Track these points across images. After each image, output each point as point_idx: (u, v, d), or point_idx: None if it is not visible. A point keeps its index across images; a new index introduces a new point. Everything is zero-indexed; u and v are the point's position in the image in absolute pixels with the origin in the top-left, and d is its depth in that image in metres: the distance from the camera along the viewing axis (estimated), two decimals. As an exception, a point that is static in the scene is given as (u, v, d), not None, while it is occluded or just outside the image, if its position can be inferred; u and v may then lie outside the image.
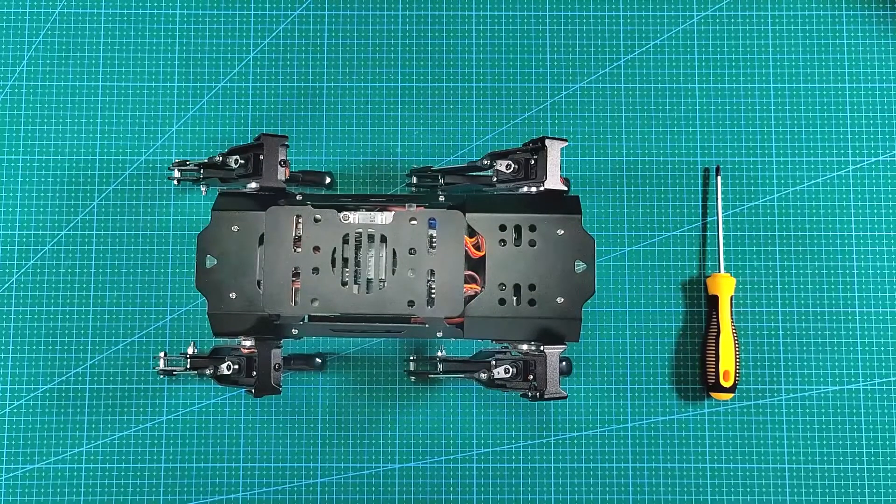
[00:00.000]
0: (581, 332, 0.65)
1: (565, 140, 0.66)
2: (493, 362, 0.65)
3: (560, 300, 0.64)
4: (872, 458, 0.72)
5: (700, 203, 0.75)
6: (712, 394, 0.71)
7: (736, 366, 0.71)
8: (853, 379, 0.73)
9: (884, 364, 0.73)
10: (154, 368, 0.73)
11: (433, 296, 0.64)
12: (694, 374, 0.73)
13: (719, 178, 0.74)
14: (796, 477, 0.72)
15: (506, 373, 0.65)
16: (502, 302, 0.65)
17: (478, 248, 0.65)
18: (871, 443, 0.72)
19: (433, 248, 0.64)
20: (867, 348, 0.73)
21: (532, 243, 0.65)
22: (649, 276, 0.74)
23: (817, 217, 0.74)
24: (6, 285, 0.74)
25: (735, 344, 0.71)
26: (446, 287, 0.63)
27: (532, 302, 0.65)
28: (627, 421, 0.73)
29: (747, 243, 0.74)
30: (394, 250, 0.64)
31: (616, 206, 0.75)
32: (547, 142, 0.65)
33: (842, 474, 0.72)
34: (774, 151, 0.75)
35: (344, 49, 0.76)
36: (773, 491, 0.72)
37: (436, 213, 0.64)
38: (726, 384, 0.71)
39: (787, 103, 0.75)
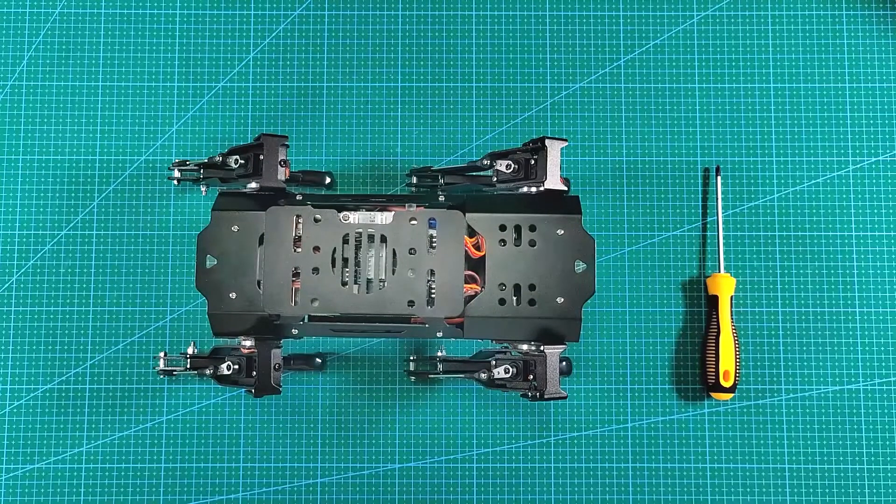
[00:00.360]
0: (581, 332, 0.65)
1: (565, 140, 0.66)
2: (493, 362, 0.65)
3: (560, 300, 0.64)
4: (872, 458, 0.72)
5: (700, 203, 0.75)
6: (712, 394, 0.71)
7: (736, 366, 0.71)
8: (853, 379, 0.73)
9: (884, 364, 0.73)
10: (154, 368, 0.73)
11: (433, 296, 0.64)
12: (694, 374, 0.73)
13: (719, 178, 0.74)
14: (796, 477, 0.72)
15: (506, 373, 0.65)
16: (502, 302, 0.65)
17: (478, 248, 0.65)
18: (871, 443, 0.72)
19: (433, 248, 0.64)
20: (867, 348, 0.73)
21: (532, 243, 0.65)
22: (649, 276, 0.74)
23: (817, 217, 0.74)
24: (6, 285, 0.74)
25: (735, 344, 0.71)
26: (446, 287, 0.63)
27: (532, 302, 0.65)
28: (627, 421, 0.73)
29: (747, 243, 0.74)
30: (394, 250, 0.64)
31: (616, 206, 0.75)
32: (547, 142, 0.65)
33: (842, 474, 0.72)
34: (774, 151, 0.75)
35: (344, 49, 0.76)
36: (773, 491, 0.72)
37: (436, 213, 0.64)
38: (726, 384, 0.71)
39: (787, 103, 0.75)
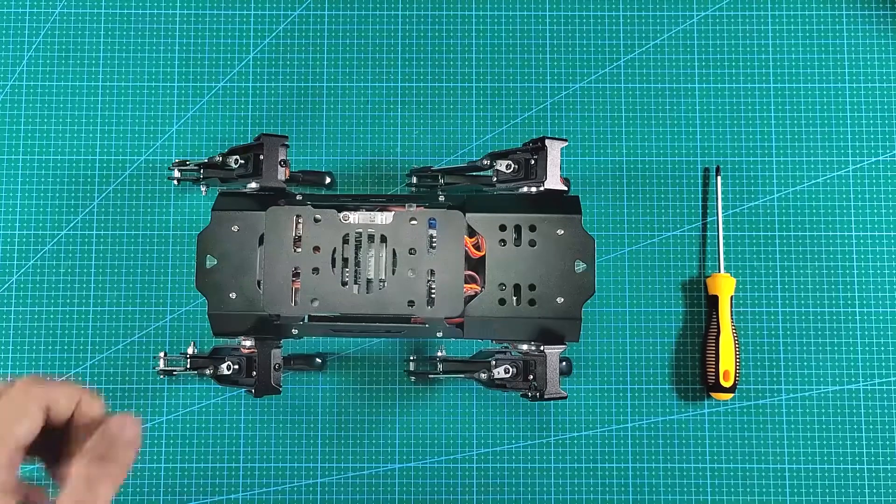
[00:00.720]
0: (581, 332, 0.65)
1: (565, 140, 0.66)
2: (493, 362, 0.65)
3: (560, 300, 0.64)
4: (872, 458, 0.72)
5: (700, 203, 0.75)
6: (712, 394, 0.71)
7: (736, 366, 0.71)
8: (853, 379, 0.73)
9: (884, 364, 0.73)
10: (154, 368, 0.73)
11: (433, 296, 0.64)
12: (694, 374, 0.73)
13: (719, 178, 0.74)
14: (796, 477, 0.72)
15: (506, 373, 0.65)
16: (502, 302, 0.65)
17: (478, 248, 0.65)
18: (871, 443, 0.72)
19: (433, 248, 0.64)
20: (867, 348, 0.73)
21: (532, 243, 0.65)
22: (649, 276, 0.74)
23: (817, 217, 0.74)
24: (6, 285, 0.74)
25: (735, 344, 0.71)
26: (446, 287, 0.63)
27: (532, 302, 0.65)
28: (627, 421, 0.73)
29: (747, 243, 0.74)
30: (394, 250, 0.64)
31: (616, 206, 0.75)
32: (547, 142, 0.65)
33: (842, 474, 0.72)
34: (774, 151, 0.75)
35: (344, 49, 0.76)
36: (773, 491, 0.72)
37: (436, 213, 0.64)
38: (726, 384, 0.71)
39: (787, 103, 0.75)
